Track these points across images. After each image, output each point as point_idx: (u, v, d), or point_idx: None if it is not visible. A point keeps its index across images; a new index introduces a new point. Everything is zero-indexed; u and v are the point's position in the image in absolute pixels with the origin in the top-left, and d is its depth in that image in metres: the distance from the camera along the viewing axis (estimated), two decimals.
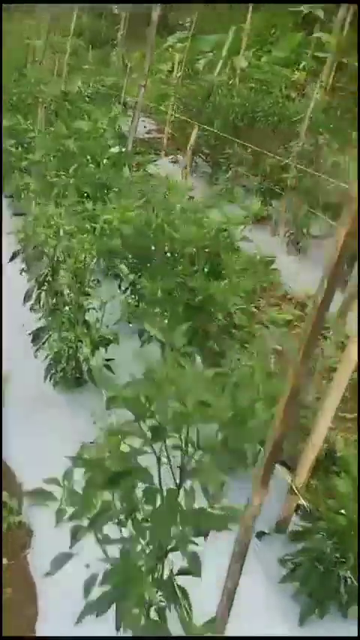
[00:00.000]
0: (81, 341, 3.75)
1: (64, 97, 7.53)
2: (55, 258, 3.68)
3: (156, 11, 6.47)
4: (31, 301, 4.50)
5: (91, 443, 3.36)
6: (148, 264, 3.97)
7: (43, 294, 4.43)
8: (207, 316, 3.57)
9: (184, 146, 10.79)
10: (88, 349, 3.79)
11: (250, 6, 11.62)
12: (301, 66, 11.70)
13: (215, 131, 8.51)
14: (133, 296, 4.99)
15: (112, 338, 3.88)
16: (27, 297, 4.52)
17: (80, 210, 3.71)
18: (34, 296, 4.48)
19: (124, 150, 4.00)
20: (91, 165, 3.99)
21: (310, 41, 14.61)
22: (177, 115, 10.51)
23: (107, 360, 4.14)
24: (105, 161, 4.04)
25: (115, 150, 3.97)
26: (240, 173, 8.96)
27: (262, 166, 8.00)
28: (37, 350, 3.92)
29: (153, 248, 3.76)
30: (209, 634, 1.72)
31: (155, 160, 11.36)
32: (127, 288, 5.00)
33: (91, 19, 26.46)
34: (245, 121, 9.18)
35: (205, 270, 3.60)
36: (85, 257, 3.55)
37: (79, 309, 3.84)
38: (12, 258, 4.48)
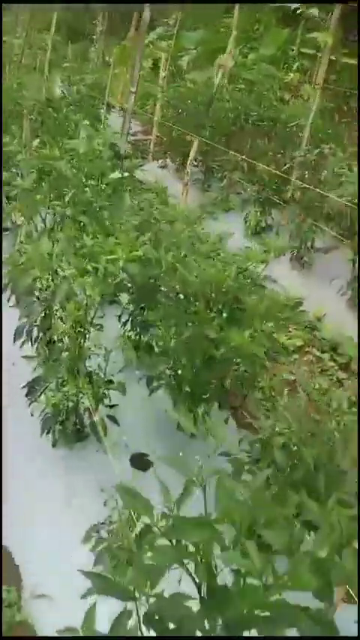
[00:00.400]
0: (83, 393, 3.30)
1: (48, 103, 7.01)
2: (51, 303, 3.21)
3: (147, 10, 5.99)
4: (22, 339, 4.05)
5: (102, 524, 2.94)
6: (156, 305, 3.53)
7: (36, 336, 3.98)
8: (228, 367, 3.15)
9: (173, 150, 10.33)
10: (91, 402, 3.34)
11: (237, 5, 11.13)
12: (294, 66, 11.25)
13: (209, 142, 8.06)
14: (134, 329, 4.56)
15: (117, 387, 3.44)
16: (18, 334, 4.06)
17: (79, 246, 3.24)
18: (24, 334, 4.03)
19: (126, 174, 3.53)
20: (88, 192, 3.51)
21: (294, 37, 14.23)
22: (166, 120, 10.03)
23: (111, 406, 3.72)
24: (104, 187, 3.57)
25: (115, 175, 3.51)
26: (235, 180, 8.54)
27: (260, 174, 7.59)
28: (32, 402, 3.45)
29: (162, 288, 3.32)
30: None
31: (142, 165, 10.89)
32: (127, 320, 4.56)
33: (68, 13, 25.69)
34: (238, 125, 8.75)
35: (224, 314, 3.17)
36: (86, 302, 3.09)
37: (79, 357, 3.39)
38: None
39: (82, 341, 3.37)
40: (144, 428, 3.85)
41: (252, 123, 8.42)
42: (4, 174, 3.59)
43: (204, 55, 15.66)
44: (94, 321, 3.34)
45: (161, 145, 11.12)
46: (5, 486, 3.32)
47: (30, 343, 4.10)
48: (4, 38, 14.46)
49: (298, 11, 10.72)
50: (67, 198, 3.42)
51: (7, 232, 6.60)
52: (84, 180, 3.57)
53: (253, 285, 3.24)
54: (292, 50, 14.27)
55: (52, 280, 3.10)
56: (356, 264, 5.88)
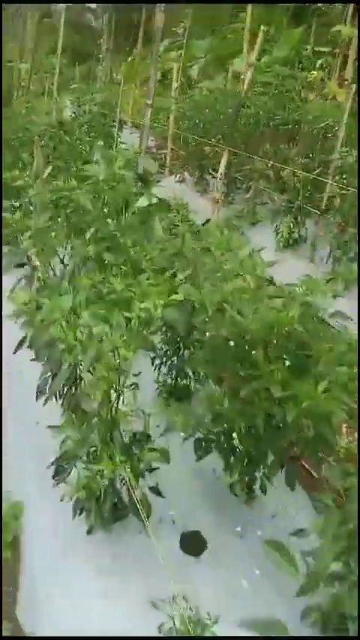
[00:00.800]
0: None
1: (60, 127, 6.55)
2: (77, 365, 2.66)
3: (161, 19, 5.48)
4: (45, 396, 3.52)
5: None
6: (199, 349, 2.96)
7: (60, 394, 3.45)
8: (296, 430, 2.54)
9: (191, 163, 9.79)
10: (130, 479, 2.76)
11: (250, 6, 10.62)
12: (318, 64, 10.65)
13: (233, 151, 7.49)
14: (170, 372, 3.98)
15: (159, 458, 2.85)
16: (40, 392, 3.53)
17: (106, 292, 2.69)
18: (48, 390, 3.51)
19: (154, 202, 2.97)
20: (111, 224, 2.96)
21: (307, 36, 13.64)
22: (181, 133, 9.53)
23: (151, 470, 3.12)
24: (130, 216, 3.02)
25: (143, 201, 2.95)
26: (261, 190, 7.95)
27: (289, 181, 6.98)
28: (60, 483, 2.88)
29: (207, 334, 2.73)
30: None
31: (159, 181, 10.37)
32: (161, 363, 3.99)
33: (71, 34, 25.73)
34: (260, 130, 8.17)
35: (287, 363, 2.57)
36: (118, 362, 2.53)
37: (113, 424, 2.82)
38: (17, 349, 3.48)
39: (116, 404, 2.80)
40: (191, 495, 3.25)
41: (275, 127, 7.83)
42: (17, 214, 3.06)
43: (213, 62, 15.19)
44: (128, 379, 2.78)
45: (177, 158, 10.60)
46: (32, 590, 2.76)
47: (55, 399, 3.59)
48: (10, 64, 14.25)
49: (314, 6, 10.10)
50: (88, 235, 2.87)
51: (22, 267, 6.13)
52: (106, 211, 3.03)
53: (319, 323, 2.63)
54: (306, 49, 13.71)
55: (77, 339, 2.54)
56: None
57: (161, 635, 2.42)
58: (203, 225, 8.48)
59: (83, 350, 2.46)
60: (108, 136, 9.34)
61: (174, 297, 2.58)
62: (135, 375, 2.80)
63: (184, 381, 3.96)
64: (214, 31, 17.07)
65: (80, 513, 2.99)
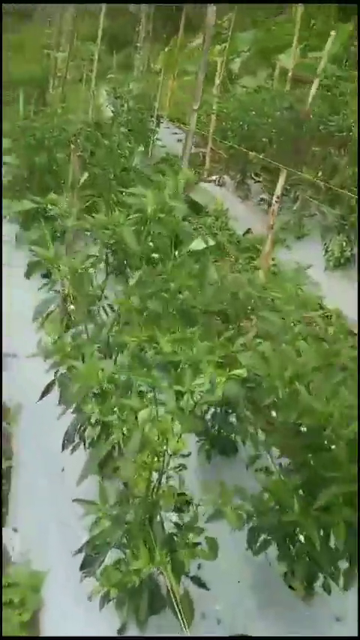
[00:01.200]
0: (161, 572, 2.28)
1: (97, 128, 6.09)
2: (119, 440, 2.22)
3: (212, 15, 4.95)
4: (72, 445, 3.11)
5: None
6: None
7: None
8: None
9: (233, 165, 9.23)
10: (170, 578, 2.32)
11: None
12: None
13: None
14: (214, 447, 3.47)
15: (207, 554, 2.40)
16: (67, 440, 3.12)
17: (152, 354, 2.23)
18: (76, 438, 3.10)
19: (211, 242, 2.48)
20: (159, 267, 2.49)
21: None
22: (224, 133, 8.97)
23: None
24: (180, 258, 2.54)
25: (198, 244, 2.47)
26: (309, 201, 7.38)
27: (343, 194, 6.40)
28: (87, 576, 2.45)
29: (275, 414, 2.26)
30: None
31: (197, 182, 9.82)
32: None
33: (109, 20, 25.18)
34: (310, 136, 7.58)
35: None
36: (166, 449, 2.08)
37: (153, 508, 2.38)
38: (43, 395, 3.07)
39: (157, 488, 2.36)
40: (240, 586, 2.80)
41: (330, 134, 7.23)
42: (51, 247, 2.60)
43: (257, 56, 14.48)
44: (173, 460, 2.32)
45: (218, 160, 10.04)
46: None
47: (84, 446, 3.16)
48: (48, 53, 13.80)
49: None
50: (132, 281, 2.40)
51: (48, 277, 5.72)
52: (155, 252, 2.56)
53: None
54: (354, 46, 12.94)
55: (117, 414, 2.09)
56: None
57: None
58: (244, 235, 7.97)
59: (126, 433, 2.01)
60: (145, 135, 8.86)
61: (236, 372, 2.11)
62: (184, 456, 2.34)
63: (230, 435, 3.48)
64: (257, 23, 16.32)
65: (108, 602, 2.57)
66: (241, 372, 2.10)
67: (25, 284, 4.66)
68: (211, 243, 2.53)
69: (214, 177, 9.74)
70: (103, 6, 10.86)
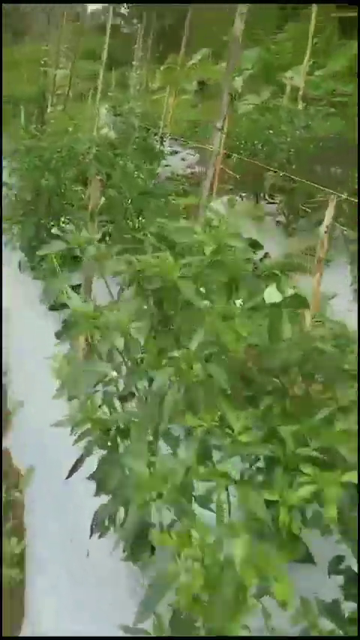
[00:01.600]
0: None
1: (109, 148, 5.62)
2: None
3: (240, 27, 4.52)
4: (101, 531, 2.58)
5: None
6: None
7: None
8: None
9: (245, 186, 8.80)
10: None
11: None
12: None
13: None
14: None
15: None
16: (95, 525, 2.56)
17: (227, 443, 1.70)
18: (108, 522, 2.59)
19: (289, 292, 1.97)
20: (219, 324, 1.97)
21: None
22: (233, 151, 8.54)
23: None
24: (248, 310, 2.03)
25: (274, 295, 1.96)
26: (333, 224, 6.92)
27: None
28: None
29: None
30: None
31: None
32: None
33: (103, 39, 25.07)
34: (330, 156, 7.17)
35: None
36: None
37: None
38: (71, 474, 2.51)
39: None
40: None
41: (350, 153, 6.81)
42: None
43: (260, 74, 14.21)
44: None
45: (227, 180, 9.61)
46: None
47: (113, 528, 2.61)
48: (45, 70, 13.44)
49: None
50: (194, 344, 1.87)
51: (59, 310, 5.18)
52: (211, 303, 2.04)
53: None
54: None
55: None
56: None
57: None
58: (261, 260, 7.49)
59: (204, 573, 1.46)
60: (153, 154, 8.41)
61: (348, 476, 1.58)
62: None
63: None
64: (257, 42, 16.11)
65: None
66: (354, 475, 1.57)
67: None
68: (290, 292, 2.01)
69: (223, 198, 9.31)
70: (109, 23, 10.51)
